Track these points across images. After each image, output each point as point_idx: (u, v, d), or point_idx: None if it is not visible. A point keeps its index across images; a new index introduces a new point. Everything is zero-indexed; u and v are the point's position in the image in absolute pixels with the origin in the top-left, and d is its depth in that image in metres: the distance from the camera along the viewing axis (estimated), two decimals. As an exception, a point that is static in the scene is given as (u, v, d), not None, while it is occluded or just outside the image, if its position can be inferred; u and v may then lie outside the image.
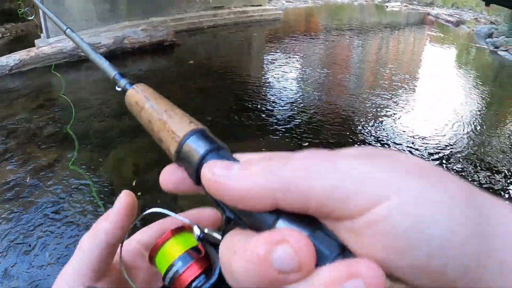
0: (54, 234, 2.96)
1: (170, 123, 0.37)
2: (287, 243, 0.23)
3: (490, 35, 14.73)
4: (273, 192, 0.25)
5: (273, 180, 0.25)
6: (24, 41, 9.40)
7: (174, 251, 0.36)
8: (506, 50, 12.40)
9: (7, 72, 6.73)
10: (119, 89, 0.52)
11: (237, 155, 0.33)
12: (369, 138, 4.83)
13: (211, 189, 0.28)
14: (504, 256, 0.22)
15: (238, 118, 5.25)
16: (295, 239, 0.23)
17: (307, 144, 4.52)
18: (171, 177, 0.36)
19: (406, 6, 25.46)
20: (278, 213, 0.25)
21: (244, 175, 0.26)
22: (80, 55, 7.47)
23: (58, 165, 3.90)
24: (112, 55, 7.82)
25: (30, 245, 2.86)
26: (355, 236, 0.24)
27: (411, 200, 0.22)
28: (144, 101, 0.43)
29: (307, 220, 0.25)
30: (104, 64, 0.65)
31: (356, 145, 4.56)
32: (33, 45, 7.99)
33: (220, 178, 0.27)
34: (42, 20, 8.40)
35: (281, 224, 0.25)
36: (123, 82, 0.53)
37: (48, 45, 7.51)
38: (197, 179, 0.32)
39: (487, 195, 0.25)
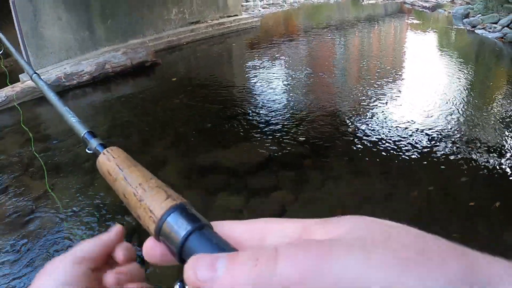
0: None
1: (146, 199, 0.35)
2: None
3: (466, 16, 15.01)
4: None
5: (274, 284, 0.24)
6: (9, 76, 9.52)
7: None
8: (483, 28, 12.70)
9: (-5, 109, 6.91)
10: (89, 151, 0.52)
11: (220, 225, 0.33)
12: (359, 134, 4.96)
13: None
14: None
15: (225, 126, 5.43)
16: None
17: (289, 146, 4.68)
18: (154, 252, 0.34)
19: (381, -2, 25.85)
20: None
21: (230, 281, 0.25)
22: (65, 85, 7.65)
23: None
24: (95, 81, 7.99)
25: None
26: None
27: None
28: (117, 171, 0.41)
29: None
30: (73, 120, 0.64)
31: (339, 144, 4.74)
32: (18, 80, 8.16)
33: (205, 284, 0.26)
34: (23, 54, 8.56)
35: None
36: (93, 143, 0.52)
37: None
38: (180, 260, 0.31)
39: (484, 257, 0.26)
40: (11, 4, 8.18)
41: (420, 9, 19.43)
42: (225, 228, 0.32)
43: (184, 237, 0.30)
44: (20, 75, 8.65)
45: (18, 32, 8.43)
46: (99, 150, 0.48)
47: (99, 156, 0.46)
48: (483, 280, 0.24)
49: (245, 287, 0.24)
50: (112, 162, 0.42)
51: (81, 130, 0.59)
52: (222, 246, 0.29)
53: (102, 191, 3.92)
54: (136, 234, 3.17)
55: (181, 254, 0.30)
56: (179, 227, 0.31)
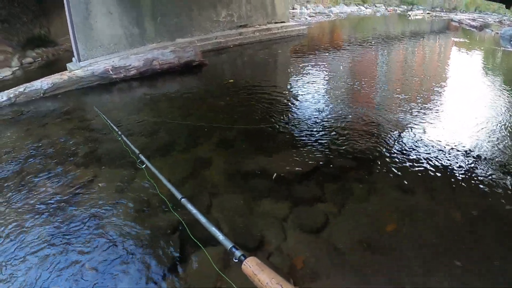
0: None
1: None
2: None
3: None
4: None
5: None
6: (55, 65, 9.65)
7: None
8: None
9: (41, 95, 6.89)
10: (235, 260, 0.74)
11: None
12: (399, 150, 4.70)
13: None
14: None
15: (269, 132, 5.22)
16: None
17: (333, 156, 4.43)
18: None
19: (429, 13, 25.28)
20: None
21: None
22: (112, 77, 7.61)
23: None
24: (143, 77, 7.93)
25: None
26: None
27: None
28: (253, 276, 0.65)
29: None
30: (220, 237, 0.88)
31: (384, 157, 4.47)
32: (65, 69, 8.18)
33: None
34: (73, 44, 8.61)
35: None
36: (238, 253, 0.78)
37: (80, 69, 7.67)
38: None
39: None
40: (64, -5, 8.25)
41: (468, 28, 18.85)
42: None
43: None
44: (67, 64, 8.72)
45: (69, 22, 8.48)
46: (242, 259, 0.80)
47: (242, 264, 0.78)
48: None
49: None
50: (250, 270, 0.77)
51: (228, 245, 0.90)
52: None
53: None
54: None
55: None
56: None
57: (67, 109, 6.33)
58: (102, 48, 9.02)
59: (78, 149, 4.78)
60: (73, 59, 8.87)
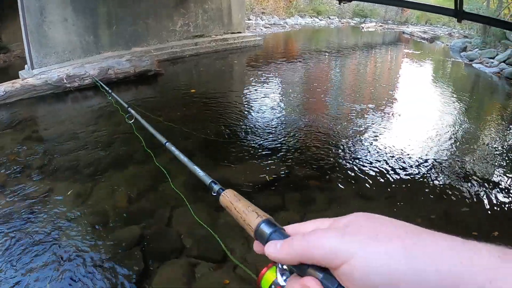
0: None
1: (247, 219, 0.63)
2: (308, 286, 0.48)
3: (464, 49, 15.33)
4: (294, 257, 0.49)
5: (293, 253, 0.49)
6: (6, 72, 9.42)
7: (270, 278, 0.58)
8: (480, 63, 12.96)
9: (-7, 104, 6.77)
10: (214, 194, 0.83)
11: (291, 226, 0.57)
12: (356, 158, 5.01)
13: (270, 258, 0.53)
14: (438, 271, 0.39)
15: (227, 143, 5.41)
16: (311, 284, 0.47)
17: (293, 166, 4.67)
18: (258, 248, 0.58)
19: (381, 26, 26.24)
20: (308, 265, 0.49)
21: (281, 251, 0.51)
22: (66, 86, 7.56)
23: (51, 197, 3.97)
24: (97, 86, 7.91)
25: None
26: (342, 278, 0.45)
27: (363, 260, 0.42)
28: (230, 205, 0.72)
29: (323, 268, 0.47)
30: (201, 173, 1.01)
31: (342, 165, 4.77)
32: (17, 77, 8.05)
33: (271, 254, 0.52)
34: (26, 51, 8.48)
35: (310, 271, 0.49)
36: (216, 187, 0.85)
37: (33, 77, 7.58)
38: None
39: (433, 236, 0.43)
40: (18, -1, 8.13)
41: (419, 40, 19.81)
42: (290, 228, 0.56)
43: (267, 238, 0.56)
44: (20, 72, 8.57)
45: (23, 28, 8.35)
46: (220, 192, 0.78)
47: (220, 196, 0.77)
48: (419, 254, 0.40)
49: (285, 254, 0.50)
50: (227, 199, 0.74)
51: (207, 180, 0.93)
52: (284, 237, 0.53)
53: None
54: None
55: None
56: (263, 232, 0.57)
57: (20, 119, 6.27)
58: (56, 55, 8.93)
59: (32, 161, 4.79)
60: (26, 66, 8.72)
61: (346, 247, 0.44)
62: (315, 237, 0.47)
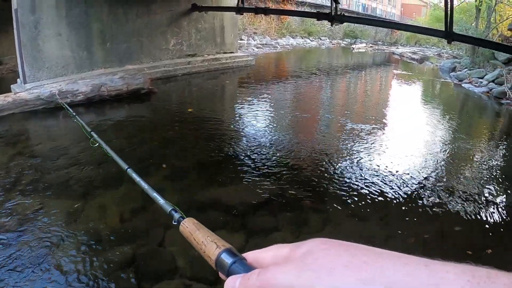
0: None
1: (206, 251, 0.62)
2: None
3: (453, 69, 15.64)
4: None
5: None
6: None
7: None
8: (469, 82, 13.23)
9: (-17, 118, 6.75)
10: (175, 223, 0.82)
11: (251, 253, 0.56)
12: (349, 178, 5.07)
13: None
14: None
15: (220, 164, 5.44)
16: None
17: (286, 186, 4.71)
18: (223, 277, 0.57)
19: (371, 46, 26.74)
20: None
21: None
22: (58, 102, 7.55)
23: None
24: (90, 102, 7.93)
25: None
26: None
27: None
28: (190, 236, 0.70)
29: None
30: (161, 201, 0.99)
31: (335, 186, 4.83)
32: (9, 90, 8.04)
33: None
34: (19, 65, 8.49)
35: None
36: (176, 216, 0.84)
37: (26, 91, 7.58)
38: None
39: (386, 258, 0.43)
40: (13, 12, 8.17)
41: (409, 60, 20.18)
42: (250, 255, 0.56)
43: (227, 270, 0.55)
44: (12, 86, 8.56)
45: (16, 41, 8.38)
46: (180, 221, 0.76)
47: (180, 225, 0.75)
48: (376, 285, 0.39)
49: None
50: (187, 229, 0.72)
51: (168, 208, 0.91)
52: (246, 269, 0.53)
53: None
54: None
55: (228, 276, 0.54)
56: (224, 263, 0.56)
57: (11, 133, 6.25)
58: (49, 70, 8.95)
59: (22, 176, 4.77)
60: (18, 80, 8.72)
61: (302, 283, 0.43)
62: (270, 274, 0.47)
